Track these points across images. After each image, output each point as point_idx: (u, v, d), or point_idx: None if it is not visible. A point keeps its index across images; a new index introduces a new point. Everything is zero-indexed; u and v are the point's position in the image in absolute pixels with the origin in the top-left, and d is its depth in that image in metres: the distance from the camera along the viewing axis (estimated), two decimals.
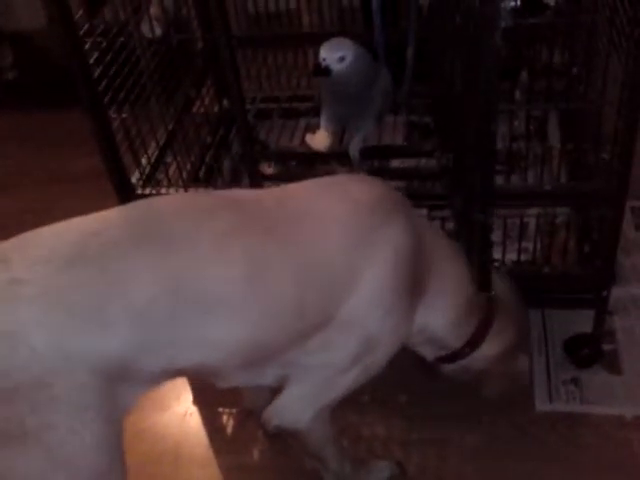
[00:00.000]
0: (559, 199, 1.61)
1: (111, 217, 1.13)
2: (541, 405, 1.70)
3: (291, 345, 1.19)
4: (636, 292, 1.93)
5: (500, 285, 1.51)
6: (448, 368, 1.48)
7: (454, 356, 1.44)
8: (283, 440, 1.55)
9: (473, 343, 1.43)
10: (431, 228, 1.41)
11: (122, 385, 1.07)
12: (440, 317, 1.37)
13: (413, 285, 1.27)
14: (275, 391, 1.63)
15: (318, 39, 2.25)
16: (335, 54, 1.55)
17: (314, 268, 1.17)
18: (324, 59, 1.54)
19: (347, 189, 1.29)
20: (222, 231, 1.13)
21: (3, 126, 3.08)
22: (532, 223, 1.81)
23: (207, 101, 2.08)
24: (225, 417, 1.78)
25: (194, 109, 2.01)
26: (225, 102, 2.11)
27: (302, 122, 2.09)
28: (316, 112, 2.03)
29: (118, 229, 1.10)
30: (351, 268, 1.19)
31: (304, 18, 2.38)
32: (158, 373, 1.13)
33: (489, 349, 1.45)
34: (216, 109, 2.16)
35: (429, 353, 1.46)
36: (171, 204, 1.22)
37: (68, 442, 1.03)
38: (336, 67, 1.55)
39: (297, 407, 1.30)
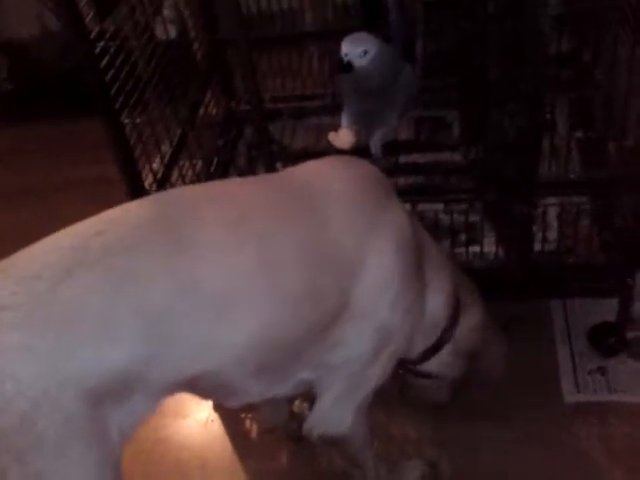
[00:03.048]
0: (582, 188, 1.59)
1: (115, 215, 1.05)
2: (569, 396, 1.68)
3: (310, 340, 1.14)
4: None
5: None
6: (432, 365, 1.44)
7: (441, 340, 1.40)
8: (308, 444, 1.52)
9: (453, 319, 1.40)
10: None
11: (121, 406, 0.98)
12: (438, 297, 1.35)
13: (417, 265, 1.25)
14: (291, 403, 1.62)
15: (321, 38, 2.26)
16: (357, 49, 1.51)
17: (325, 250, 1.12)
18: (346, 54, 1.50)
19: (347, 169, 1.27)
20: (232, 221, 1.07)
21: (2, 138, 3.06)
22: (551, 213, 1.79)
23: (213, 103, 2.06)
24: (248, 422, 1.75)
25: (201, 112, 1.99)
26: (233, 103, 2.09)
27: (313, 121, 2.07)
28: (326, 110, 2.01)
29: (123, 226, 1.01)
30: (360, 249, 1.15)
31: (307, 16, 2.36)
32: (165, 386, 1.04)
33: (469, 320, 1.42)
34: (221, 111, 2.14)
35: (418, 346, 1.40)
36: (179, 196, 1.16)
37: None
38: (358, 62, 1.52)
39: (336, 411, 1.26)
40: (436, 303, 1.36)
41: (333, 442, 1.31)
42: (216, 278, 1.02)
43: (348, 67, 1.50)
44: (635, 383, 1.68)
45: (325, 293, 1.12)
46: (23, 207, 2.53)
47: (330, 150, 1.67)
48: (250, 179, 1.30)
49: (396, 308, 1.22)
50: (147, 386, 1.00)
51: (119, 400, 0.97)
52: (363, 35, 1.55)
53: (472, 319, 1.44)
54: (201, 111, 1.96)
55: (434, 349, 1.42)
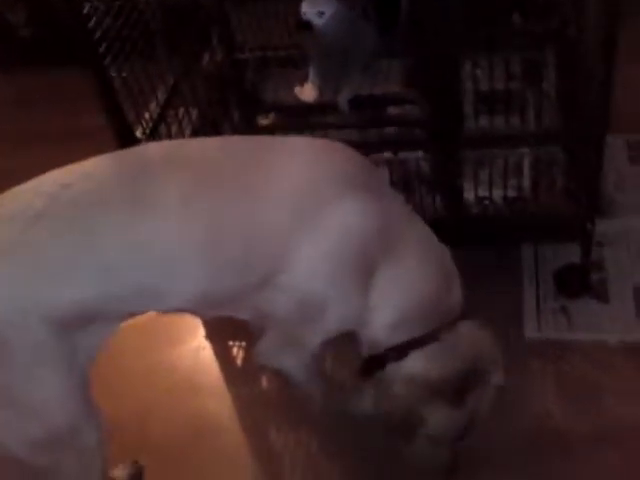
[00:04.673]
0: (539, 139, 1.68)
1: (87, 168, 1.18)
2: (531, 333, 1.80)
3: (245, 295, 1.24)
4: (626, 224, 2.00)
5: (478, 330, 1.36)
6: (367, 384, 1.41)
7: (372, 362, 1.36)
8: None
9: (399, 350, 1.32)
10: (409, 215, 1.33)
11: (85, 332, 1.15)
12: (382, 315, 1.30)
13: (365, 268, 1.24)
14: None
15: None
16: (314, 9, 1.61)
17: (266, 230, 1.19)
18: (304, 13, 1.61)
19: (320, 155, 1.28)
20: (188, 185, 1.16)
21: (20, 84, 3.16)
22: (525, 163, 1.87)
23: (209, 57, 2.14)
24: (235, 350, 1.91)
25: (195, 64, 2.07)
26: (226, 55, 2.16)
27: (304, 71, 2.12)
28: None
29: (91, 181, 1.15)
30: (296, 237, 1.18)
31: None
32: (123, 316, 1.22)
33: (413, 366, 1.31)
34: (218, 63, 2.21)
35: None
36: (151, 153, 1.26)
37: (29, 399, 1.12)
38: (316, 21, 1.62)
39: (274, 353, 1.38)
40: (380, 319, 1.30)
41: (275, 372, 1.48)
42: (165, 241, 1.14)
43: (307, 25, 1.60)
44: (593, 322, 1.80)
45: (258, 264, 1.21)
46: (39, 152, 2.63)
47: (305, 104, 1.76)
48: (230, 140, 1.36)
49: (327, 294, 1.24)
50: (105, 317, 1.18)
51: (82, 327, 1.15)
52: None
53: (419, 367, 1.31)
54: (195, 64, 2.04)
55: (369, 363, 1.38)
